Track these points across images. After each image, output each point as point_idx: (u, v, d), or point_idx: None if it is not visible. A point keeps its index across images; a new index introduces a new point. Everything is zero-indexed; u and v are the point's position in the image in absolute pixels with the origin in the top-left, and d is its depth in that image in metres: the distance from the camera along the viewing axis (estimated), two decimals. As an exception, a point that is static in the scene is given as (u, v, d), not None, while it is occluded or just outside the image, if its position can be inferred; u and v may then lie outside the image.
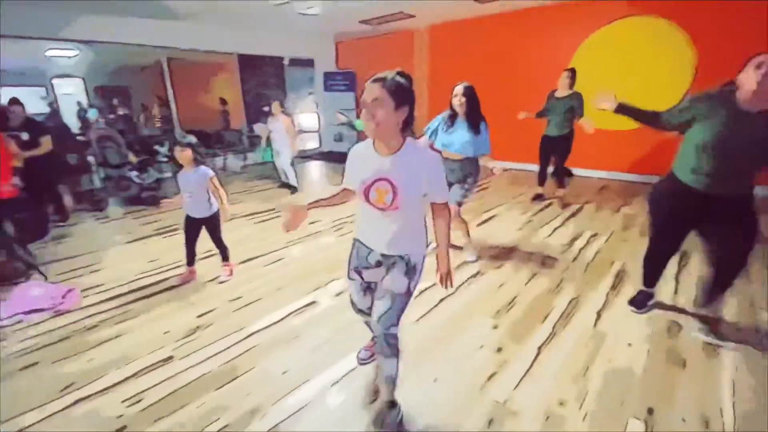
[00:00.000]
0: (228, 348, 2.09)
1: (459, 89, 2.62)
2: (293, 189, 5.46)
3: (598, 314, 2.32)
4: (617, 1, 5.09)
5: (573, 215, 4.13)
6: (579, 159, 5.67)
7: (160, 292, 2.72)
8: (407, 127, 1.29)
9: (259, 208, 4.70)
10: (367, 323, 1.80)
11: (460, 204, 2.85)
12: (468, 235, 3.07)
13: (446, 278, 1.48)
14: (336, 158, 7.89)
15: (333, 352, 2.04)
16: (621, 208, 4.31)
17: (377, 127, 1.22)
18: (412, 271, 1.43)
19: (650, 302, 2.33)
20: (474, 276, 2.83)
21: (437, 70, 7.21)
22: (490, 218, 4.11)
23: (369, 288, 1.61)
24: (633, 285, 2.62)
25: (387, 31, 7.34)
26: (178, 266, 3.05)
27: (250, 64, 7.45)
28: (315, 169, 7.28)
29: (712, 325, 2.07)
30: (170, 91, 6.65)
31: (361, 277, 1.56)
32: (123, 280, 2.90)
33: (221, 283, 2.80)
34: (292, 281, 2.83)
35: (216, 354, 2.04)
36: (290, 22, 6.52)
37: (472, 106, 2.61)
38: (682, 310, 2.29)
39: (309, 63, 8.32)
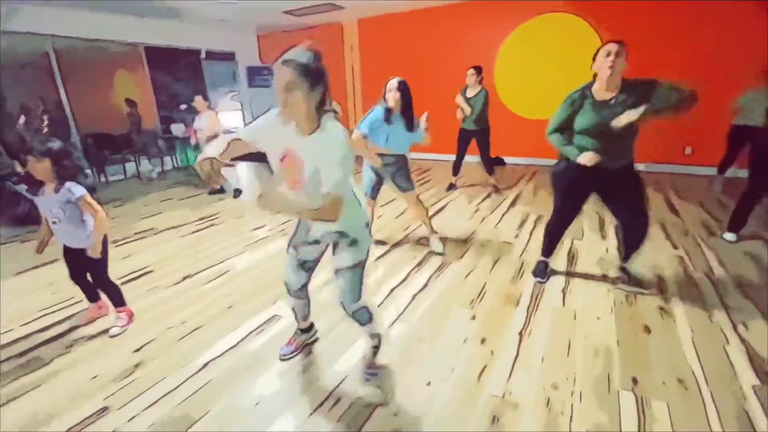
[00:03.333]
0: (180, 385, 1.74)
1: (393, 84, 2.58)
2: (237, 192, 4.89)
3: (563, 293, 2.40)
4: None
5: (515, 201, 4.32)
6: (509, 148, 6.02)
7: (77, 327, 2.22)
8: (323, 107, 1.25)
9: (188, 218, 4.16)
10: (294, 310, 1.84)
11: (411, 188, 2.89)
12: (429, 221, 3.06)
13: None
14: (266, 158, 7.40)
15: (308, 371, 1.81)
16: (555, 191, 4.61)
17: (293, 112, 1.20)
18: (354, 243, 1.46)
19: (549, 270, 2.60)
20: (439, 268, 2.77)
21: (368, 64, 7.10)
22: (440, 210, 4.12)
23: (303, 266, 1.64)
24: (586, 260, 2.78)
25: (313, 24, 7.04)
26: (97, 294, 2.53)
27: (160, 58, 6.61)
28: (243, 170, 6.71)
29: (633, 278, 2.39)
30: (62, 90, 5.62)
31: (297, 252, 1.60)
32: (22, 319, 2.31)
33: (113, 336, 2.11)
34: (244, 297, 2.50)
35: (165, 395, 1.69)
36: (206, 12, 5.92)
37: (407, 101, 2.60)
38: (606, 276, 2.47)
39: (229, 57, 7.67)
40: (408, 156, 2.86)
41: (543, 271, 2.55)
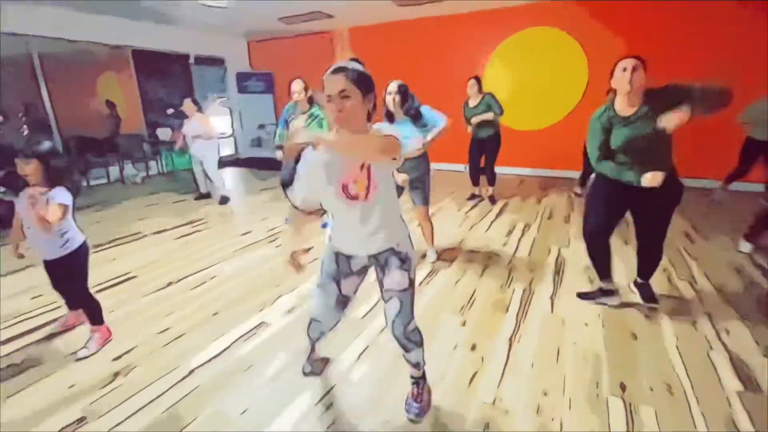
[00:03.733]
0: (163, 393, 1.69)
1: (393, 87, 2.55)
2: (223, 198, 4.79)
3: (552, 300, 2.42)
4: (522, 8, 5.58)
5: (503, 209, 4.37)
6: (499, 158, 6.10)
7: (54, 335, 2.13)
8: (371, 116, 1.24)
9: (174, 223, 4.08)
10: (311, 335, 1.67)
11: (426, 204, 2.83)
12: (432, 237, 3.00)
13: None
14: (256, 164, 7.33)
15: (298, 377, 1.77)
16: (542, 200, 4.69)
17: (348, 119, 1.16)
18: (406, 261, 1.38)
19: (616, 293, 2.34)
20: (429, 275, 2.77)
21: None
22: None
23: (343, 301, 1.49)
24: (573, 268, 2.81)
25: (304, 32, 7.07)
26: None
27: (147, 62, 6.54)
28: (232, 177, 6.64)
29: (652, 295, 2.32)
30: (44, 92, 5.49)
31: (340, 289, 1.44)
32: (-5, 326, 2.22)
33: (80, 359, 1.90)
34: (231, 303, 2.45)
35: (148, 404, 1.63)
36: (196, 16, 5.89)
37: (408, 102, 2.57)
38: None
39: (219, 62, 7.63)
40: (430, 166, 2.81)
41: (593, 294, 2.38)
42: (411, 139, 2.56)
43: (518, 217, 4.07)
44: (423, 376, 1.59)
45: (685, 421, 1.50)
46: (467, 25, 6.00)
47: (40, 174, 1.77)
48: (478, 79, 4.23)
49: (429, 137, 2.65)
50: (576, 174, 5.03)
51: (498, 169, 6.21)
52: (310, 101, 3.50)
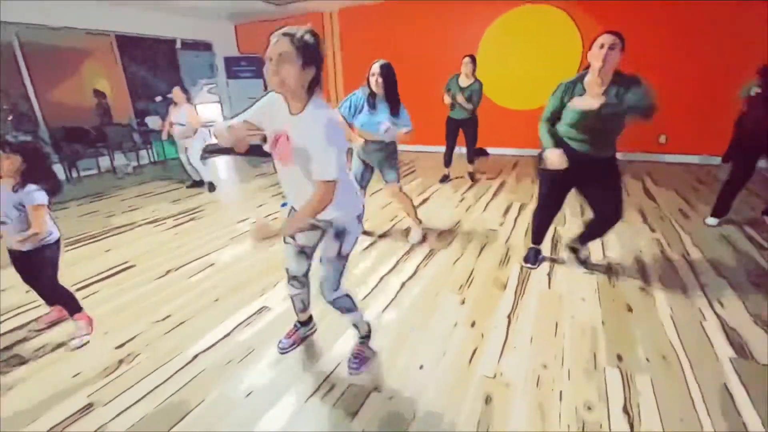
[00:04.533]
0: (168, 379, 1.70)
1: (376, 68, 2.51)
2: (210, 186, 4.78)
3: (549, 276, 2.45)
4: (515, -11, 5.47)
5: (499, 189, 4.38)
6: (491, 139, 6.08)
7: (55, 324, 2.13)
8: (313, 88, 1.23)
9: (169, 212, 4.04)
10: (293, 300, 1.80)
11: (396, 180, 2.84)
12: (415, 213, 3.03)
13: (263, 236, 1.29)
14: (249, 151, 7.24)
15: (300, 360, 1.80)
16: (536, 180, 4.70)
17: (281, 84, 1.16)
18: (341, 234, 1.46)
19: (540, 257, 2.63)
20: (428, 256, 2.79)
21: (350, 54, 7.02)
22: (426, 199, 4.14)
23: (303, 252, 1.61)
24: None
25: (292, 13, 6.89)
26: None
27: (132, 48, 6.35)
28: (224, 164, 6.57)
29: (580, 259, 2.57)
30: (28, 81, 5.34)
31: (294, 239, 1.57)
32: (-6, 318, 2.21)
33: (75, 349, 1.92)
34: (231, 289, 2.45)
35: (153, 389, 1.64)
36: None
37: (390, 85, 2.53)
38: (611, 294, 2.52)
39: (206, 47, 7.44)
40: (397, 145, 2.80)
41: (533, 257, 2.60)
42: (385, 123, 2.54)
43: (514, 197, 4.08)
44: (365, 337, 1.77)
45: (680, 389, 1.54)
46: (460, 4, 5.88)
47: (18, 170, 1.71)
48: (474, 59, 4.12)
49: (404, 130, 2.63)
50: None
51: (493, 150, 6.25)
52: None
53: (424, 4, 6.07)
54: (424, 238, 3.05)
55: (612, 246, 2.81)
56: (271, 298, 2.32)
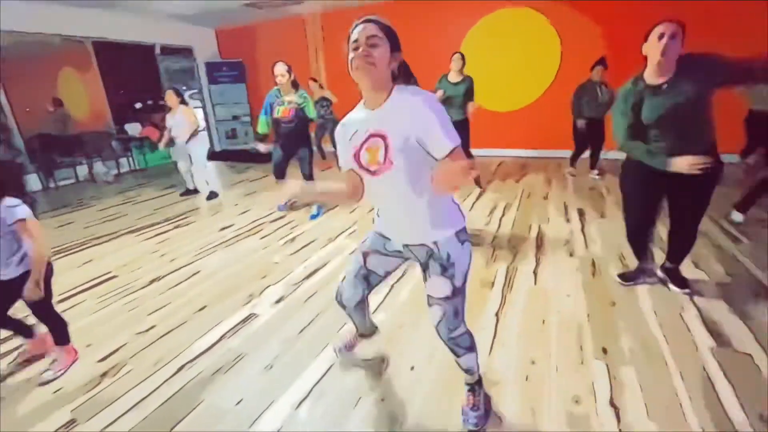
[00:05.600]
0: (155, 390, 1.67)
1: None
2: (212, 194, 4.60)
3: (535, 274, 2.49)
4: (494, -8, 5.57)
5: (484, 189, 4.43)
6: (475, 140, 6.14)
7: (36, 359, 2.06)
8: (397, 77, 1.14)
9: (152, 220, 3.96)
10: (351, 318, 1.62)
11: None
12: None
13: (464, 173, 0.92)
14: (232, 157, 7.17)
15: (290, 366, 1.78)
16: (521, 179, 4.78)
17: (374, 67, 1.04)
18: (449, 266, 1.19)
19: (647, 267, 2.29)
20: (415, 258, 2.80)
21: (333, 58, 7.02)
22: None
23: (367, 277, 1.39)
24: (553, 244, 2.89)
25: (274, 17, 6.86)
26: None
27: (110, 54, 6.22)
28: (211, 170, 6.47)
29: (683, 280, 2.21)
30: (0, 88, 5.17)
31: (365, 261, 1.36)
32: (-32, 335, 2.12)
33: (44, 383, 1.72)
34: (218, 297, 2.42)
35: (138, 403, 1.61)
36: (160, 4, 5.62)
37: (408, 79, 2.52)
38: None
39: (187, 52, 7.34)
40: None
41: (638, 274, 2.29)
42: None
43: (499, 196, 4.14)
44: (478, 382, 1.45)
45: (663, 378, 1.59)
46: (440, 7, 5.96)
47: None
48: (463, 56, 3.97)
49: None
50: (553, 153, 5.14)
51: (476, 152, 6.30)
52: (295, 85, 3.43)
53: (406, 7, 6.12)
54: None
55: (595, 240, 2.88)
56: (258, 305, 2.29)
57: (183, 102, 4.39)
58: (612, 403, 1.48)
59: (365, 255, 1.36)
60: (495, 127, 6.08)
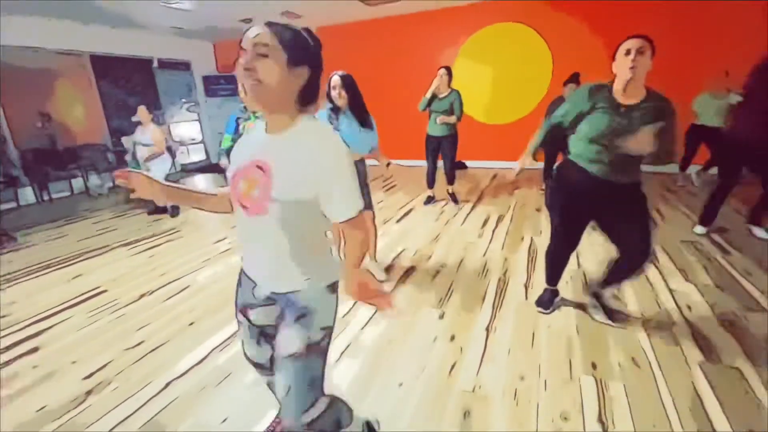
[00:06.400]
0: (140, 408, 1.64)
1: (336, 80, 2.28)
2: (173, 211, 4.51)
3: (526, 288, 2.49)
4: (489, 4, 5.69)
5: (477, 201, 4.45)
6: (469, 152, 6.22)
7: (18, 357, 2.04)
8: (308, 101, 0.91)
9: (143, 234, 3.95)
10: (269, 384, 1.28)
11: (370, 206, 2.57)
12: (374, 248, 2.73)
13: (366, 296, 0.98)
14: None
15: (278, 381, 1.76)
16: (514, 191, 4.81)
17: (258, 84, 0.82)
18: (306, 317, 0.97)
19: (557, 299, 2.25)
20: (407, 271, 2.80)
21: (328, 71, 7.10)
22: (407, 213, 4.17)
23: (264, 334, 1.11)
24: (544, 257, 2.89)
25: (271, 32, 6.97)
26: (35, 319, 2.35)
27: (107, 68, 6.28)
28: (203, 183, 6.49)
29: (606, 308, 2.11)
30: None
31: (249, 320, 1.09)
32: (-48, 352, 2.10)
33: None
34: (207, 312, 2.40)
35: (123, 420, 1.58)
36: (159, 19, 5.71)
37: (354, 96, 2.30)
38: (581, 304, 2.22)
39: (184, 66, 7.42)
40: (366, 164, 2.47)
41: (549, 301, 2.20)
42: (363, 144, 2.36)
43: (492, 209, 4.16)
44: None
45: (652, 394, 1.58)
46: (435, 22, 6.07)
47: None
48: (449, 70, 3.95)
49: (378, 156, 2.53)
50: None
51: (471, 163, 6.37)
52: None
53: (401, 23, 6.24)
54: (389, 270, 2.75)
55: (584, 255, 2.88)
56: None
57: (155, 120, 4.34)
58: (600, 419, 1.47)
59: (243, 312, 1.10)
60: (489, 139, 6.15)
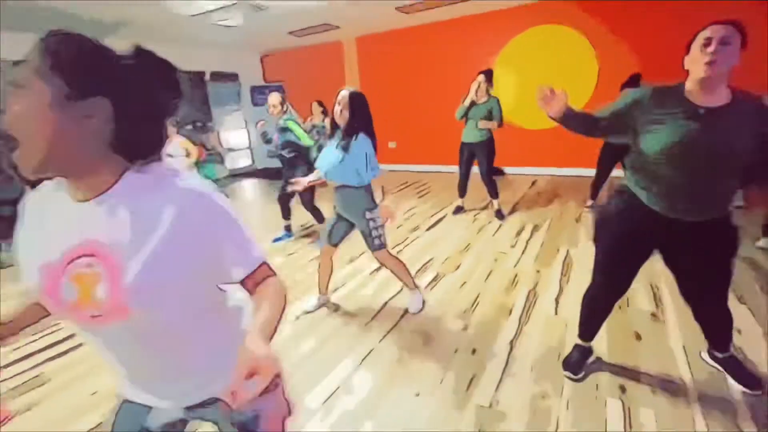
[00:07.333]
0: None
1: (343, 96, 2.01)
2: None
3: (556, 301, 2.41)
4: (529, 7, 5.55)
5: (513, 210, 4.34)
6: (508, 158, 6.06)
7: (77, 347, 2.29)
8: (137, 149, 0.63)
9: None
10: None
11: (383, 246, 2.22)
12: (410, 277, 2.38)
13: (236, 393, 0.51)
14: (272, 175, 7.54)
15: (300, 384, 1.84)
16: (554, 200, 4.63)
17: (21, 141, 0.55)
18: (249, 422, 0.78)
19: (589, 360, 1.80)
20: (434, 279, 2.80)
21: (368, 81, 7.25)
22: (438, 221, 4.16)
23: None
24: (581, 269, 2.77)
25: (314, 43, 7.24)
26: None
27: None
28: (250, 187, 6.87)
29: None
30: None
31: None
32: (17, 343, 2.40)
33: None
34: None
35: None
36: (209, 35, 6.14)
37: (356, 118, 2.02)
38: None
39: (233, 77, 7.91)
40: (371, 188, 2.13)
41: (578, 362, 1.76)
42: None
43: (528, 218, 4.04)
44: None
45: (685, 424, 1.48)
46: (474, 28, 6.01)
47: None
48: (488, 75, 3.67)
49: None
50: (589, 172, 4.92)
51: (509, 170, 6.20)
52: (283, 110, 3.52)
53: (438, 29, 6.23)
54: (423, 305, 2.43)
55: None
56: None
57: (178, 133, 4.18)
58: (624, 447, 1.40)
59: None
60: (529, 145, 5.96)
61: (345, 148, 2.02)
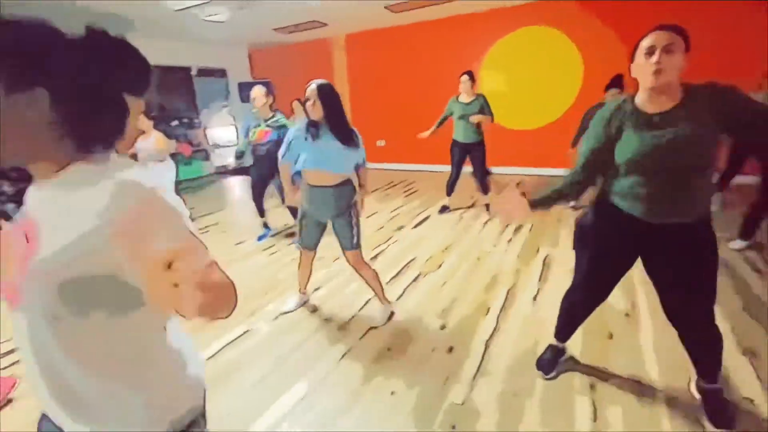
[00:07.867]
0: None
1: (311, 90, 1.94)
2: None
3: (534, 301, 2.45)
4: (517, 8, 5.59)
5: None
6: (494, 158, 6.10)
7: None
8: (80, 137, 0.58)
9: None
10: None
11: (358, 246, 2.19)
12: (381, 288, 2.34)
13: None
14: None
15: (279, 382, 1.85)
16: (537, 200, 4.68)
17: None
18: None
19: (562, 359, 1.85)
20: (416, 279, 2.82)
21: (357, 79, 7.24)
22: (423, 220, 4.18)
23: None
24: (560, 268, 2.82)
25: (303, 40, 7.19)
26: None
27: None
28: (237, 185, 6.81)
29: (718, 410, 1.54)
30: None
31: None
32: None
33: None
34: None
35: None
36: (196, 30, 6.06)
37: (331, 108, 1.97)
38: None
39: (221, 73, 7.82)
40: (356, 187, 2.19)
41: (550, 362, 1.80)
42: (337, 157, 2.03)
43: (512, 217, 4.07)
44: None
45: (652, 422, 1.52)
46: (462, 27, 6.03)
47: None
48: (471, 75, 3.91)
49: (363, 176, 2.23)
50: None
51: (495, 169, 6.23)
52: (273, 109, 3.55)
53: (427, 28, 6.25)
54: (390, 317, 2.33)
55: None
56: (258, 321, 2.39)
57: (155, 127, 4.02)
58: (590, 443, 1.44)
59: None
60: (515, 145, 6.02)
61: (347, 141, 2.01)
